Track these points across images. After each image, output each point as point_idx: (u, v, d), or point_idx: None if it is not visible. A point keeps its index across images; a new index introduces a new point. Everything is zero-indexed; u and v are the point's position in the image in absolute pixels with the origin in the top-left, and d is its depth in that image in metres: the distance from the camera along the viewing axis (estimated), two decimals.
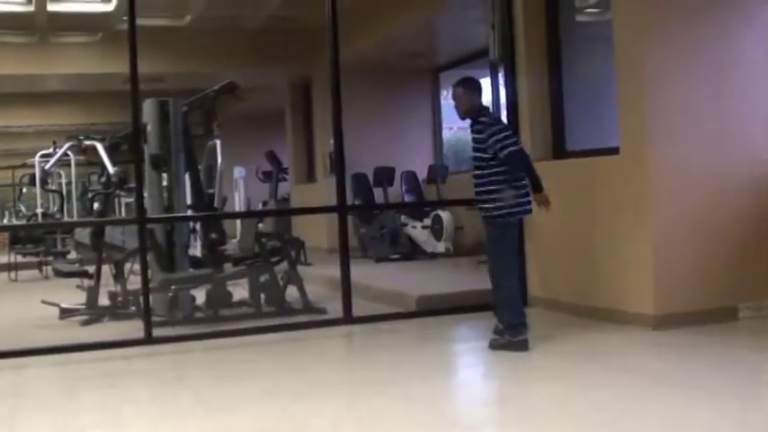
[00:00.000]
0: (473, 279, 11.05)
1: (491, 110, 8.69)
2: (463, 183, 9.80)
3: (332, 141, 9.93)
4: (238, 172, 17.51)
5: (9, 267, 17.16)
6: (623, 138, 8.36)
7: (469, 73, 18.41)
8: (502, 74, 10.19)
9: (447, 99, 19.44)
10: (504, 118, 9.77)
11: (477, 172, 7.82)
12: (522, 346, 7.65)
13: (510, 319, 7.74)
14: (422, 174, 16.40)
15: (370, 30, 14.37)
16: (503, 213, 7.68)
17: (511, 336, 7.69)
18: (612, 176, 8.54)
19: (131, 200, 16.44)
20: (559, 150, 9.72)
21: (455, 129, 25.65)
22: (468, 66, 16.63)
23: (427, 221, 14.60)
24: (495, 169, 7.64)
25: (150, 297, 9.14)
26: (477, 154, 7.76)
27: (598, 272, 8.77)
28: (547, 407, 5.89)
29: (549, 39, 9.78)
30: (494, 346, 7.81)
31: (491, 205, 7.70)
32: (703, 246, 8.23)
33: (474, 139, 7.80)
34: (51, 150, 17.20)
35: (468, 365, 8.08)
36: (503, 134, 7.62)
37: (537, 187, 7.81)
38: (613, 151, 8.51)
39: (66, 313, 10.73)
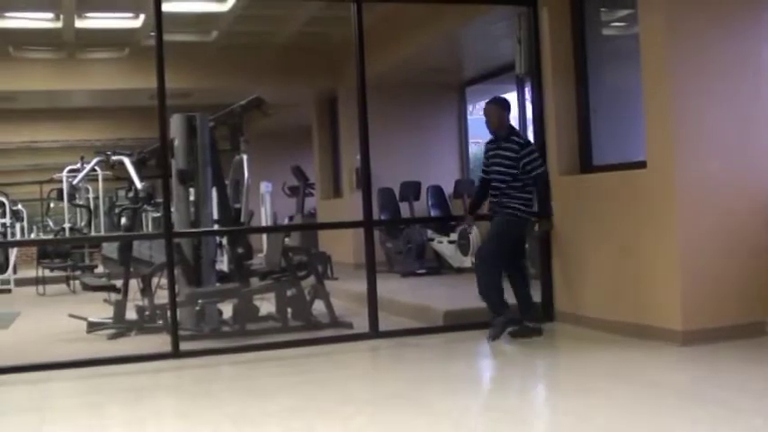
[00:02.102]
0: None
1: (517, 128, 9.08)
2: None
3: (358, 156, 9.94)
4: (265, 187, 17.54)
5: (37, 281, 17.25)
6: (650, 152, 8.34)
7: (496, 87, 18.51)
8: (528, 88, 10.19)
9: (473, 114, 19.45)
10: (530, 132, 9.92)
11: (500, 185, 8.92)
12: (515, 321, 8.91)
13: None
14: (448, 188, 16.38)
15: (396, 45, 14.38)
16: (516, 214, 8.87)
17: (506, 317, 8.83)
18: (639, 191, 8.50)
19: (158, 215, 16.51)
20: (586, 164, 9.69)
21: (481, 143, 25.69)
22: (494, 80, 16.66)
23: (454, 236, 14.57)
24: (517, 184, 8.84)
25: (177, 311, 9.16)
26: (504, 169, 8.84)
27: (625, 287, 8.73)
28: (573, 423, 5.85)
29: (576, 53, 9.77)
30: (494, 335, 8.80)
31: (508, 209, 8.88)
32: (731, 260, 8.18)
33: (503, 156, 8.88)
34: (79, 165, 17.27)
35: (494, 379, 8.07)
36: (536, 155, 8.87)
37: (547, 213, 9.16)
38: (640, 165, 8.48)
39: (93, 327, 10.77)
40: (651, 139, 8.33)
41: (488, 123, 9.01)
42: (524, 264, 9.57)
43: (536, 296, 9.90)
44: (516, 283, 9.11)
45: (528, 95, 13.50)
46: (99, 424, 6.59)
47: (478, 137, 19.21)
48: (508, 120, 9.08)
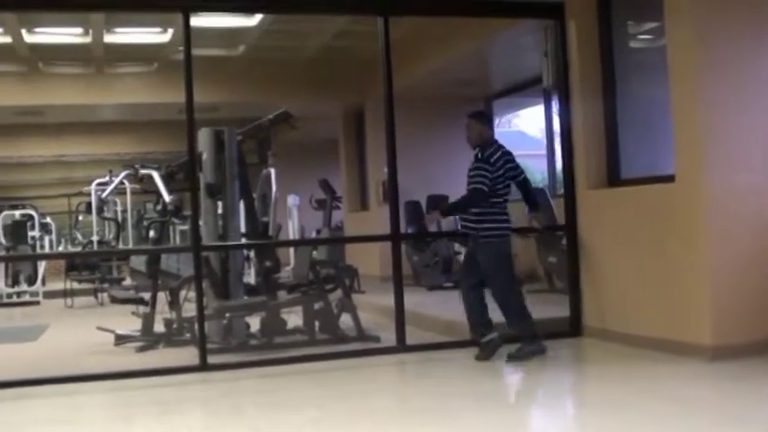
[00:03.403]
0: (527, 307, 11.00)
1: (498, 142, 8.91)
2: (517, 211, 9.76)
3: (385, 169, 9.94)
4: (292, 200, 17.58)
5: (65, 294, 17.35)
6: (679, 165, 8.30)
7: (523, 101, 18.48)
8: (555, 101, 10.16)
9: (500, 127, 19.44)
10: (557, 145, 9.85)
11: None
12: (541, 350, 8.65)
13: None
14: None
15: (422, 59, 14.40)
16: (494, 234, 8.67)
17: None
18: (668, 204, 8.46)
19: (186, 228, 16.57)
20: (614, 178, 9.65)
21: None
22: (521, 94, 16.65)
23: None
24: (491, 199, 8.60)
25: (205, 324, 9.18)
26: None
27: (654, 301, 8.69)
28: None
29: (603, 66, 9.74)
30: (516, 357, 8.55)
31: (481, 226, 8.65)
32: (761, 274, 8.11)
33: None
34: (107, 179, 17.38)
35: (522, 395, 8.05)
36: (475, 171, 8.57)
37: (445, 208, 9.54)
38: (669, 179, 8.44)
39: (121, 340, 10.81)
40: (680, 152, 8.29)
41: (468, 138, 8.89)
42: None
43: (564, 311, 9.89)
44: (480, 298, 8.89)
45: (555, 108, 13.52)
46: None
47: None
48: (489, 134, 8.93)
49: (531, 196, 9.17)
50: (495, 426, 6.47)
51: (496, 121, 18.73)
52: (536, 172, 24.12)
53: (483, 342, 8.70)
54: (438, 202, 15.69)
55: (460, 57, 13.96)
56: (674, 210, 8.37)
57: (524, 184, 8.98)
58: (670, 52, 8.40)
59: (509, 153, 8.81)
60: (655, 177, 8.89)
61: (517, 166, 8.87)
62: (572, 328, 9.79)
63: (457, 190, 16.19)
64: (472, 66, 15.03)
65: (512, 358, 8.53)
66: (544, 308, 10.99)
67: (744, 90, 8.20)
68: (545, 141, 16.26)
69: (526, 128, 35.36)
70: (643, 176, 9.19)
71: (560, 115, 10.16)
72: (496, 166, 8.53)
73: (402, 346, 9.44)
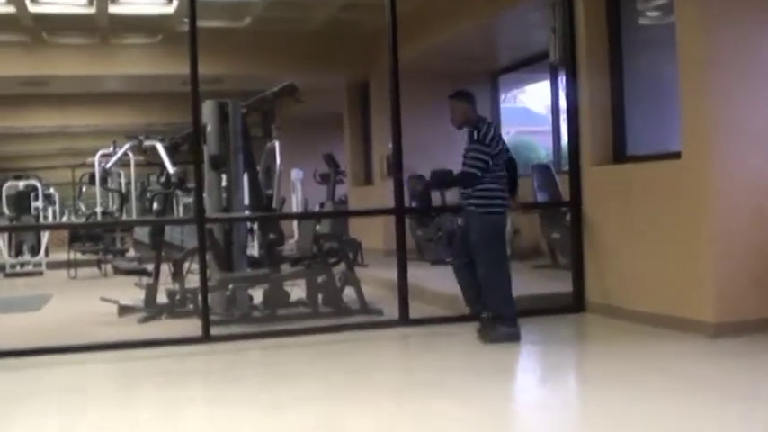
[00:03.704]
0: (530, 283, 11.02)
1: (490, 122, 8.72)
2: (522, 186, 9.72)
3: (390, 144, 9.92)
4: (296, 174, 17.56)
5: (68, 265, 17.37)
6: (685, 142, 8.27)
7: (529, 76, 18.40)
8: (562, 77, 10.12)
9: (505, 102, 19.39)
10: (563, 121, 9.79)
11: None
12: (515, 335, 8.32)
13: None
14: None
15: (429, 33, 14.34)
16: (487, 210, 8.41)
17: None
18: (673, 181, 8.45)
19: (189, 200, 16.57)
20: (620, 154, 9.63)
21: (512, 132, 25.60)
22: (527, 69, 16.60)
23: None
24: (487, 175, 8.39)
25: (208, 296, 9.20)
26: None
27: (657, 278, 8.69)
28: (604, 413, 5.84)
29: (611, 42, 9.70)
30: (489, 339, 8.30)
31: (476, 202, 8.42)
32: (765, 253, 8.10)
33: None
34: (111, 150, 17.35)
35: (525, 370, 8.07)
36: (472, 154, 8.43)
37: (435, 180, 10.10)
38: (675, 156, 8.42)
39: (124, 310, 10.83)
40: (686, 129, 8.27)
41: (452, 120, 8.76)
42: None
43: (567, 286, 9.89)
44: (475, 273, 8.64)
45: (561, 85, 13.48)
46: (130, 406, 6.66)
47: (511, 126, 19.18)
48: (475, 114, 8.67)
49: (514, 177, 8.81)
50: (497, 400, 6.49)
51: (502, 97, 18.65)
52: (541, 148, 24.11)
53: (484, 317, 8.60)
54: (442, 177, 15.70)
55: (467, 32, 13.91)
56: (679, 186, 8.35)
57: (510, 163, 8.72)
58: (679, 30, 8.36)
59: (500, 133, 8.70)
60: (661, 154, 8.88)
61: (505, 145, 8.74)
62: (575, 303, 9.78)
63: (460, 166, 16.24)
64: (479, 41, 14.98)
65: (484, 337, 8.37)
66: (547, 283, 11.04)
67: (753, 67, 8.17)
68: (550, 118, 16.21)
69: (532, 104, 35.28)
70: (649, 153, 9.17)
71: (567, 91, 10.14)
72: (492, 145, 8.38)
73: (405, 320, 9.45)
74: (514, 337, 8.28)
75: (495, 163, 8.39)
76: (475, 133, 8.46)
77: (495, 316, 8.37)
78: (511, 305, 8.42)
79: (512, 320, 8.34)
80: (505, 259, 8.68)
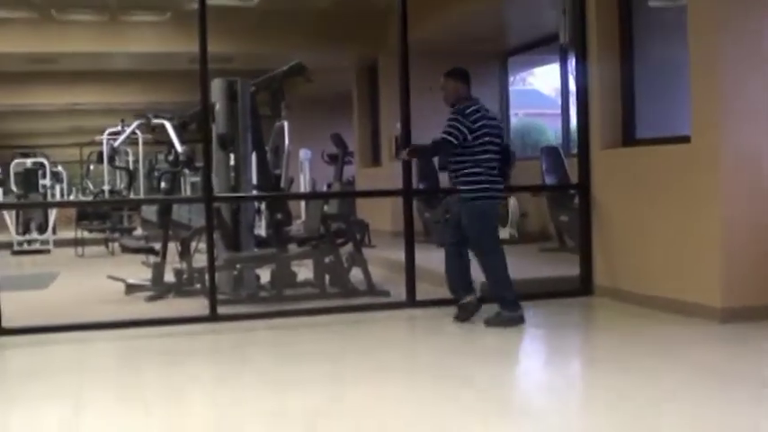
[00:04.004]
0: (538, 266, 11.01)
1: (478, 101, 8.63)
2: (530, 169, 9.75)
3: (398, 125, 9.89)
4: (304, 154, 17.53)
5: (76, 243, 17.41)
6: (695, 126, 8.23)
7: (539, 58, 18.31)
8: (572, 59, 10.08)
9: (514, 84, 19.33)
10: (572, 104, 9.73)
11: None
12: (520, 319, 8.27)
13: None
14: None
15: (439, 13, 14.29)
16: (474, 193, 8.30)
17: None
18: (682, 165, 8.41)
19: (197, 179, 16.55)
20: (629, 137, 9.60)
21: (520, 114, 25.54)
22: (537, 51, 16.55)
23: None
24: (464, 156, 8.32)
25: (215, 275, 9.20)
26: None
27: (665, 262, 8.66)
28: (608, 397, 5.83)
29: (622, 24, 9.65)
30: (493, 323, 8.25)
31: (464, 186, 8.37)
32: None
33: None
34: (119, 128, 17.33)
35: (530, 353, 8.07)
36: (449, 122, 8.31)
37: (415, 149, 9.11)
38: (684, 140, 8.39)
39: (131, 289, 10.85)
40: (696, 113, 8.23)
41: (444, 99, 8.64)
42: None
43: (575, 269, 9.87)
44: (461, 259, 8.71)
45: (571, 67, 13.42)
46: (137, 385, 6.66)
47: (519, 108, 19.13)
48: (466, 92, 8.60)
49: (505, 168, 8.71)
50: (503, 383, 6.50)
51: (511, 79, 18.60)
52: (550, 130, 24.06)
53: (461, 304, 8.59)
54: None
55: (478, 11, 13.87)
56: (688, 170, 8.32)
57: (504, 152, 8.61)
58: (690, 13, 8.31)
59: (493, 118, 8.62)
60: (670, 138, 8.84)
61: (500, 132, 8.66)
62: (583, 286, 9.77)
63: None
64: (489, 21, 14.90)
65: (489, 323, 8.31)
66: (555, 267, 11.02)
67: (761, 52, 8.11)
68: (559, 100, 16.17)
69: (540, 86, 35.22)
70: (659, 137, 9.13)
71: (576, 73, 10.09)
72: (471, 119, 8.25)
73: (412, 302, 9.44)
74: (518, 321, 8.26)
75: (475, 142, 8.26)
76: (457, 107, 8.41)
77: (498, 300, 8.38)
78: (510, 289, 8.39)
79: (514, 304, 8.32)
80: (498, 244, 8.62)
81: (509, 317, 8.26)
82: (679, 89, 8.62)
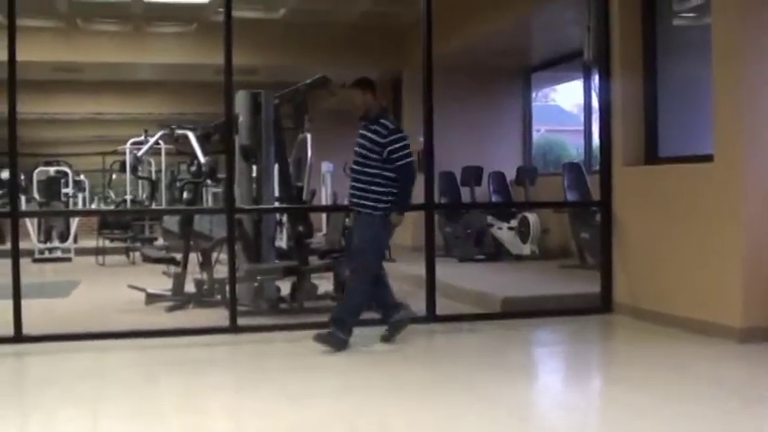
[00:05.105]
0: (558, 283, 10.98)
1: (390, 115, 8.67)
2: (552, 185, 9.73)
3: (421, 139, 9.90)
4: (326, 167, 17.57)
5: (97, 251, 17.46)
6: (718, 145, 8.21)
7: (562, 75, 18.27)
8: (595, 76, 10.07)
9: (536, 101, 19.32)
10: (594, 121, 9.72)
11: (357, 168, 8.43)
12: (343, 345, 7.98)
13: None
14: (510, 174, 16.25)
15: (463, 29, 14.32)
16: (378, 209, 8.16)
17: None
18: (705, 184, 8.39)
19: (219, 190, 16.59)
20: (651, 155, 9.58)
21: (542, 131, 25.52)
22: (560, 67, 16.53)
23: (514, 223, 14.47)
24: (377, 171, 8.23)
25: (236, 286, 9.21)
26: (366, 152, 8.35)
27: (685, 281, 8.63)
28: (627, 416, 5.80)
29: (645, 42, 9.64)
30: (317, 337, 8.03)
31: (367, 202, 8.22)
32: None
33: (368, 139, 8.33)
34: (143, 138, 17.40)
35: (550, 370, 8.04)
36: (403, 143, 8.19)
37: (403, 208, 8.35)
38: (707, 158, 8.36)
39: (151, 298, 10.86)
40: (719, 132, 8.21)
41: (356, 110, 8.53)
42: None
43: (595, 287, 9.84)
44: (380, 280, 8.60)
45: (594, 84, 13.39)
46: (154, 395, 6.66)
47: (541, 124, 19.10)
48: (377, 103, 8.55)
49: (406, 186, 8.44)
50: (522, 398, 6.49)
51: (534, 95, 18.60)
52: (572, 147, 24.03)
53: (390, 322, 8.46)
54: (472, 174, 15.66)
55: (502, 27, 13.89)
56: (710, 190, 8.29)
57: (401, 170, 8.35)
58: (714, 32, 8.30)
59: None
60: (693, 156, 8.82)
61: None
62: (602, 304, 9.73)
63: (490, 163, 16.19)
64: (513, 37, 14.92)
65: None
66: (575, 284, 10.98)
67: None
68: (582, 117, 16.15)
69: (563, 102, 35.21)
70: (681, 155, 9.11)
71: (599, 90, 10.08)
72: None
73: (432, 316, 9.43)
74: (342, 345, 7.99)
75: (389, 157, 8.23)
76: (387, 123, 8.32)
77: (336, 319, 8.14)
78: (354, 317, 8.19)
79: (349, 331, 8.10)
80: (376, 267, 8.45)
81: (338, 339, 8.01)
82: (702, 108, 8.60)
